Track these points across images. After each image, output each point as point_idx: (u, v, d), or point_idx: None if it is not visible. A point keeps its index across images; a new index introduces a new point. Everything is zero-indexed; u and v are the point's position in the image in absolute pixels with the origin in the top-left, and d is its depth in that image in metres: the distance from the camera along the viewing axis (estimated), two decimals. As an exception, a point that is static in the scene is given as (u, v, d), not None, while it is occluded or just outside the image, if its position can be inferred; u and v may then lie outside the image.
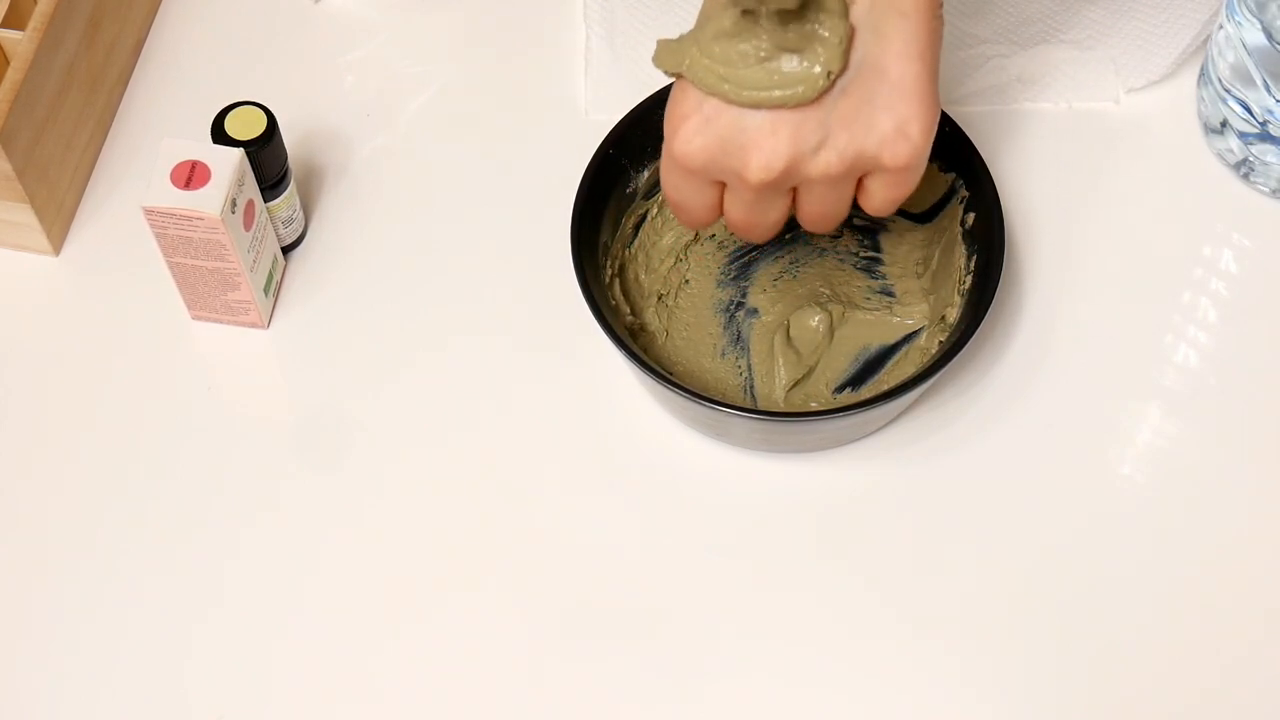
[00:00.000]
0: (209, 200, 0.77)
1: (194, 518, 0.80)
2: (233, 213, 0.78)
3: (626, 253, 0.83)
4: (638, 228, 0.84)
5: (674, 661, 0.76)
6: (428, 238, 0.87)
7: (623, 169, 0.82)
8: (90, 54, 0.87)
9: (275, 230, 0.84)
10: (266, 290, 0.84)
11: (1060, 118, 0.89)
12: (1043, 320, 0.84)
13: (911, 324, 0.82)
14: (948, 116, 0.79)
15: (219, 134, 0.80)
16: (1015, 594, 0.77)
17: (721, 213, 0.73)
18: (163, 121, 0.91)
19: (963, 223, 0.80)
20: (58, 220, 0.87)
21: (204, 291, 0.82)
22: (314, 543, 0.79)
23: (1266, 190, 0.87)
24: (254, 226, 0.81)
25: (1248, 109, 0.84)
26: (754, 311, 0.84)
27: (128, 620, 0.78)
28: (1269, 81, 0.82)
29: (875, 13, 0.66)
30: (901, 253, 0.84)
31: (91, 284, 0.87)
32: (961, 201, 0.80)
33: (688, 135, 0.69)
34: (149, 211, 0.78)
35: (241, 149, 0.79)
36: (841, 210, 0.72)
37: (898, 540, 0.79)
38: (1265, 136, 0.84)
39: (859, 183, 0.71)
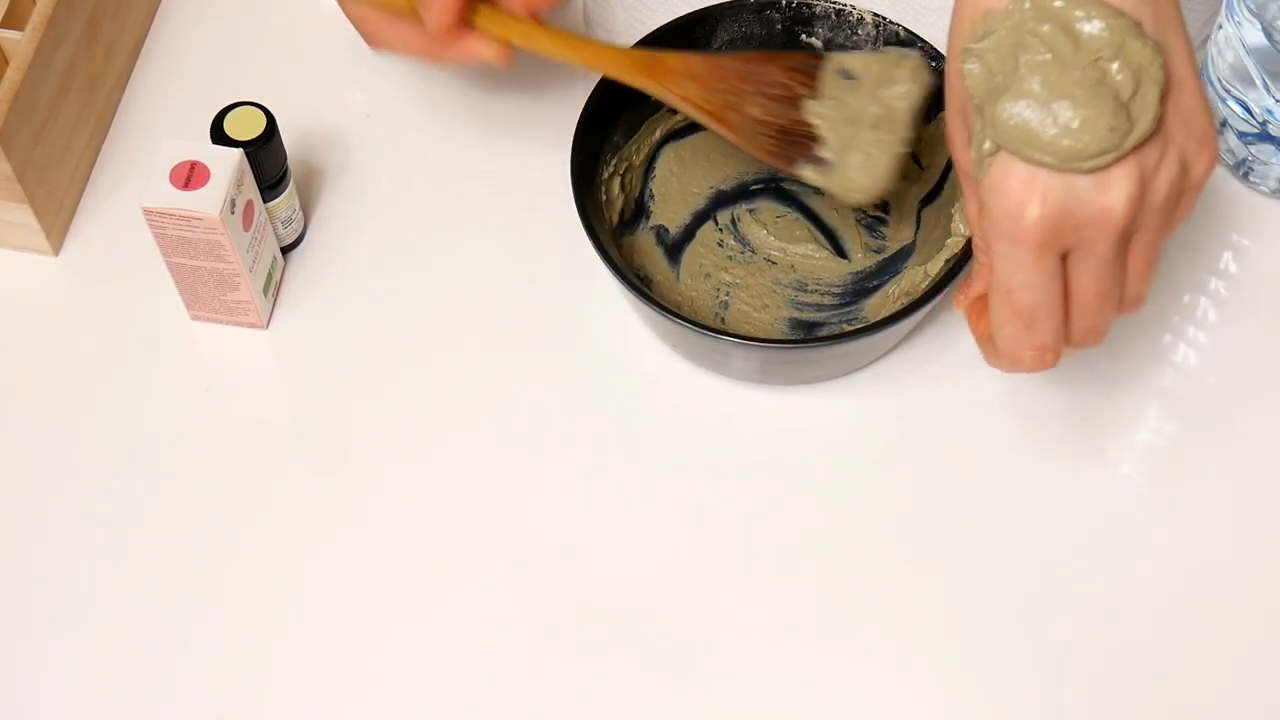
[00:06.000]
0: (208, 200, 0.77)
1: (193, 518, 0.80)
2: (232, 213, 0.78)
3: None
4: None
5: (674, 646, 0.76)
6: (427, 238, 0.87)
7: None
8: (90, 54, 0.88)
9: (275, 230, 0.84)
10: (266, 290, 0.84)
11: (1060, 118, 0.89)
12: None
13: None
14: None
15: (218, 134, 0.80)
16: (1014, 592, 0.77)
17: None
18: (162, 121, 0.91)
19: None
20: (58, 220, 0.87)
21: (203, 292, 0.82)
22: (313, 543, 0.79)
23: (1266, 190, 0.87)
24: (253, 227, 0.81)
25: (1247, 109, 0.84)
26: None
27: (127, 621, 0.78)
28: (1269, 81, 0.82)
29: (1158, 28, 0.64)
30: (904, 223, 0.85)
31: (91, 284, 0.87)
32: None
33: (1032, 202, 0.62)
34: (148, 212, 0.78)
35: (241, 149, 0.79)
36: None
37: (887, 533, 0.79)
38: (1265, 136, 0.84)
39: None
